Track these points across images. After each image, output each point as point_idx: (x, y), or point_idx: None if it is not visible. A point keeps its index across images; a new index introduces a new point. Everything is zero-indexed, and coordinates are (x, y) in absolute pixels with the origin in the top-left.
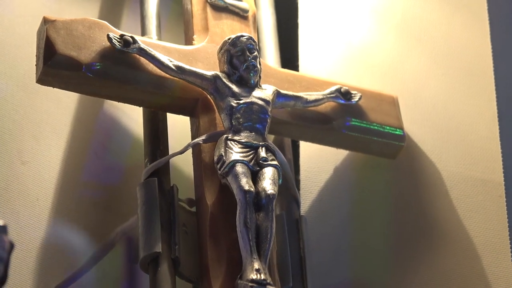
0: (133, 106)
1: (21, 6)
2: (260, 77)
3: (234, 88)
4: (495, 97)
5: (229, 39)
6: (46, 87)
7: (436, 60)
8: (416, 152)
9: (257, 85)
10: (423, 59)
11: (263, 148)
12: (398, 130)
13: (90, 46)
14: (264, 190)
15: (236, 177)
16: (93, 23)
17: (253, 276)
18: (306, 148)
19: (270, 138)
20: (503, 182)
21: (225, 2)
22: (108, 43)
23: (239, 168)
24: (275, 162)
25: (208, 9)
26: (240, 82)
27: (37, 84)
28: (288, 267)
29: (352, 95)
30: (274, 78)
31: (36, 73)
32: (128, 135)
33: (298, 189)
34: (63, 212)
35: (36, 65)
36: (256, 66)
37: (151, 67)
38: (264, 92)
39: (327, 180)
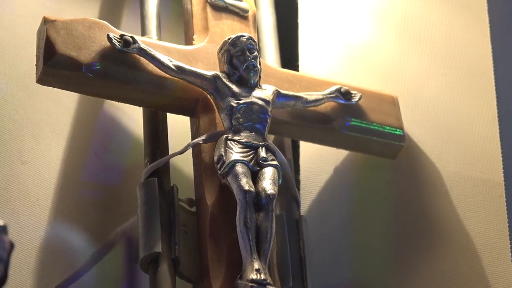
0: (133, 106)
1: (21, 6)
2: (260, 77)
3: (234, 88)
4: (495, 97)
5: (229, 39)
6: (46, 87)
7: (436, 60)
8: (416, 152)
9: (257, 85)
10: (423, 59)
11: (263, 148)
12: (398, 130)
13: (90, 46)
14: (264, 190)
15: (236, 177)
16: (93, 23)
17: (253, 276)
18: (306, 148)
19: (270, 138)
20: (503, 182)
21: (225, 2)
22: (108, 43)
23: (239, 168)
24: (275, 162)
25: (208, 9)
26: (240, 82)
27: (37, 84)
28: (288, 267)
29: (352, 95)
30: (274, 78)
31: (36, 73)
32: (128, 135)
33: (298, 189)
34: (63, 212)
35: (36, 65)
36: (256, 66)
37: (151, 67)
38: (264, 92)
39: (327, 180)
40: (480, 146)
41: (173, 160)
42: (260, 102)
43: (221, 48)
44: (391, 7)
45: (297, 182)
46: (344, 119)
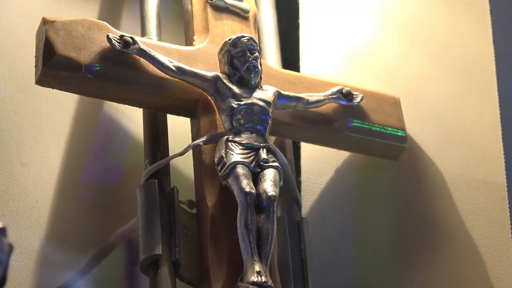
0: (133, 107)
1: (20, 6)
2: (261, 78)
3: (235, 89)
4: (498, 98)
5: (229, 39)
6: (45, 88)
7: (438, 61)
8: (418, 153)
9: (258, 86)
10: (425, 60)
11: (264, 150)
12: (400, 131)
13: (89, 47)
14: (265, 191)
15: (237, 178)
16: (92, 24)
17: (254, 278)
18: (307, 150)
19: (271, 139)
20: (506, 184)
21: (225, 3)
22: (108, 44)
23: (240, 169)
24: (276, 164)
25: (209, 10)
26: (241, 83)
27: (36, 85)
28: (289, 269)
29: (354, 96)
30: (275, 79)
31: (35, 74)
32: (128, 137)
33: (299, 191)
34: (63, 214)
35: (35, 66)
36: (257, 67)
37: (151, 68)
38: (265, 93)
39: (328, 181)
40: (483, 148)
41: (174, 162)
42: (261, 103)
43: (221, 49)
44: (393, 8)
45: (298, 183)
46: (345, 120)
